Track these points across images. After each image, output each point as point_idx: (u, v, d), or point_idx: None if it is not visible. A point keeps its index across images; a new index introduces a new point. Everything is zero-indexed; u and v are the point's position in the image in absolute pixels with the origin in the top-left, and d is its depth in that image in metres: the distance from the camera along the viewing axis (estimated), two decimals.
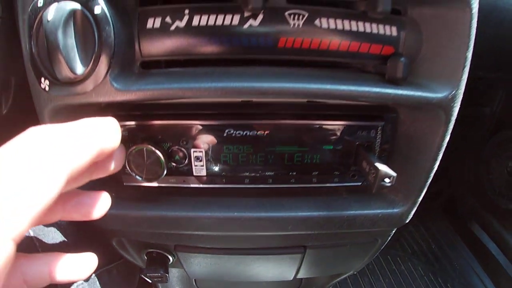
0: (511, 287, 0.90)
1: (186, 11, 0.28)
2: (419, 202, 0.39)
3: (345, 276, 0.55)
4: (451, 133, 0.35)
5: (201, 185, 0.36)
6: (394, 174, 0.31)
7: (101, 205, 0.24)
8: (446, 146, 0.35)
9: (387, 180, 0.31)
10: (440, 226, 1.10)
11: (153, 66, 0.31)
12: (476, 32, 0.31)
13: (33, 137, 0.18)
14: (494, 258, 0.95)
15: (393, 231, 0.43)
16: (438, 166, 0.35)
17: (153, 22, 0.29)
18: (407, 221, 0.39)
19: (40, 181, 0.17)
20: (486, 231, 1.00)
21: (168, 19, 0.29)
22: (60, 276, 0.21)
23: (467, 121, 0.95)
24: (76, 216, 0.23)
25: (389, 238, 0.44)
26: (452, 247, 1.05)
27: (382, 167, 0.30)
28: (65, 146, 0.19)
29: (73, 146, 0.19)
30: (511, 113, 0.92)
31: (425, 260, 1.00)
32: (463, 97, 0.32)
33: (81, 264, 0.23)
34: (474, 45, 0.32)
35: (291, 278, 0.47)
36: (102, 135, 0.21)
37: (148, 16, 0.29)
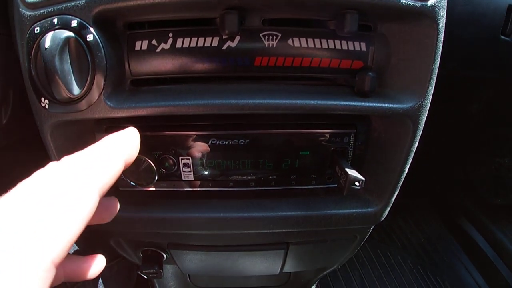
0: (499, 279, 0.94)
1: (170, 35, 0.31)
2: (392, 201, 0.42)
3: (331, 269, 0.59)
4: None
5: (189, 189, 0.39)
6: (362, 178, 0.34)
7: (112, 209, 0.26)
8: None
9: (357, 184, 0.34)
10: (430, 221, 1.13)
11: (142, 84, 0.34)
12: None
13: (63, 165, 0.19)
14: (482, 251, 0.99)
15: (371, 228, 0.46)
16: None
17: (141, 45, 0.32)
18: (381, 219, 0.43)
19: (76, 204, 0.18)
20: (474, 225, 1.03)
21: (154, 42, 0.32)
22: (73, 276, 0.23)
23: (456, 119, 0.98)
24: (91, 221, 0.24)
25: (368, 235, 0.47)
26: (441, 241, 1.09)
27: (352, 172, 0.33)
28: (95, 169, 0.20)
29: (102, 167, 0.20)
30: (498, 111, 0.95)
31: (414, 254, 1.04)
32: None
33: (91, 265, 0.24)
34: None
35: (277, 272, 0.50)
36: (126, 148, 0.23)
37: (136, 39, 0.32)
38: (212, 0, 0.29)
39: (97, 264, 0.25)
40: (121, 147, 0.23)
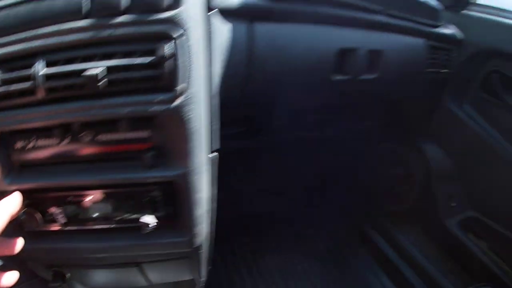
0: (405, 282, 1.01)
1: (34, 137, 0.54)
2: (203, 230, 0.60)
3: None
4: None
5: (65, 228, 0.61)
6: (153, 222, 0.53)
7: (15, 245, 0.49)
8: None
9: (149, 226, 0.54)
10: (338, 228, 1.23)
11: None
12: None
13: None
14: (387, 256, 1.08)
15: (202, 249, 0.65)
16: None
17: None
18: (199, 244, 0.61)
19: None
20: (378, 231, 1.14)
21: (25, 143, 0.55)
22: None
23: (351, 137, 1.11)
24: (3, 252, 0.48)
25: (203, 253, 0.65)
26: (349, 248, 1.18)
27: (143, 219, 0.53)
28: None
29: None
30: (393, 128, 1.07)
31: (322, 261, 1.14)
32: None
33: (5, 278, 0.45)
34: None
35: (146, 284, 0.70)
36: (12, 206, 0.46)
37: (16, 140, 0.55)
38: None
39: (10, 277, 0.45)
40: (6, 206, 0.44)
